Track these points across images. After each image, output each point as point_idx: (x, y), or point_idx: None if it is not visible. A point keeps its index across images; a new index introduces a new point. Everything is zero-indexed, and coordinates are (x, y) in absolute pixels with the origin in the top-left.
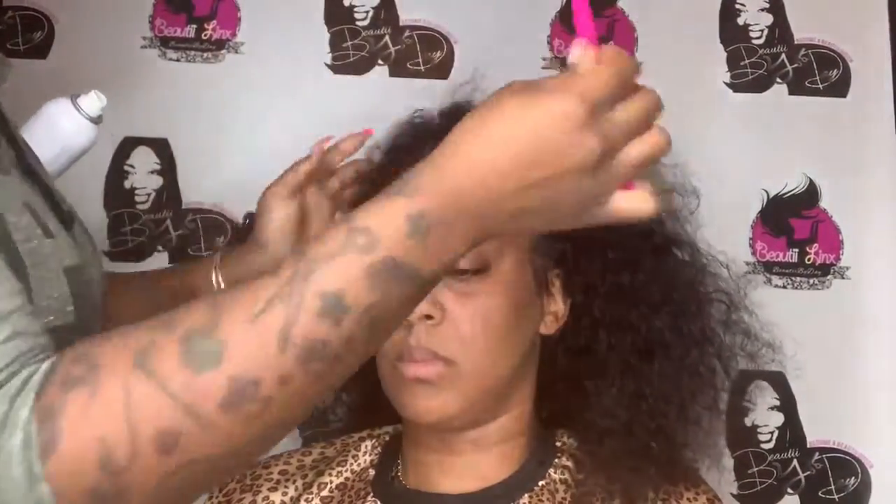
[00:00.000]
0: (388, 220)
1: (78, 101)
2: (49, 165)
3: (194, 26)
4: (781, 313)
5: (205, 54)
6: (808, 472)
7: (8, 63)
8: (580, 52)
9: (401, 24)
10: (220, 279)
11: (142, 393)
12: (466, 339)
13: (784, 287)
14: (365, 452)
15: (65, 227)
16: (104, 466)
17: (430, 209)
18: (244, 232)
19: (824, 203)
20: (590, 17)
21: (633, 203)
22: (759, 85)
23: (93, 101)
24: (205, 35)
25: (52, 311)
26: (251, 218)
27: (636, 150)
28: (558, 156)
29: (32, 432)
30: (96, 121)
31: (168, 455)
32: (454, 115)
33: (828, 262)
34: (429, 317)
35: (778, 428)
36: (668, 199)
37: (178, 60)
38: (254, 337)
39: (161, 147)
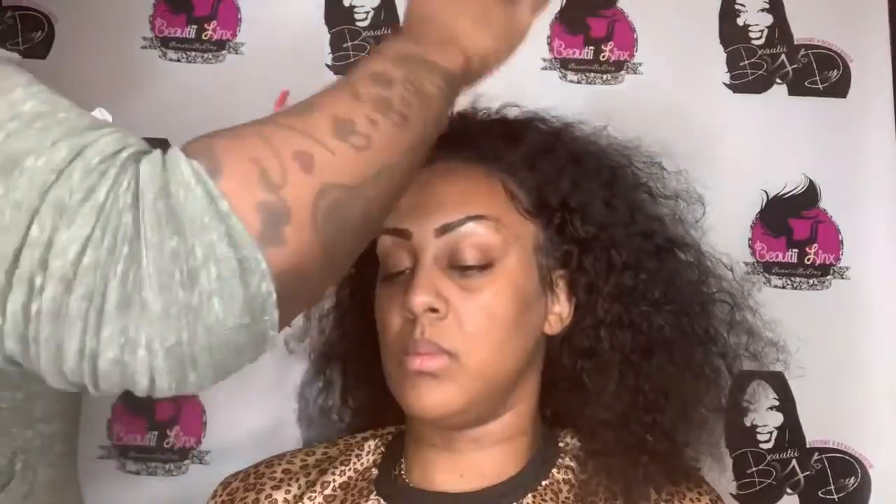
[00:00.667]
0: (381, 46)
1: None
2: None
3: (194, 27)
4: (781, 313)
5: (205, 54)
6: (808, 472)
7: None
8: None
9: (401, 24)
10: None
11: (269, 129)
12: (470, 334)
13: (784, 287)
14: (368, 452)
15: None
16: (263, 181)
17: (408, 44)
18: None
19: (824, 203)
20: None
21: None
22: (759, 85)
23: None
24: (205, 35)
25: None
26: None
27: None
28: None
29: (195, 164)
30: None
31: (310, 173)
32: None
33: (827, 262)
34: (434, 310)
35: (777, 428)
36: None
37: (178, 61)
38: (332, 96)
39: (161, 147)
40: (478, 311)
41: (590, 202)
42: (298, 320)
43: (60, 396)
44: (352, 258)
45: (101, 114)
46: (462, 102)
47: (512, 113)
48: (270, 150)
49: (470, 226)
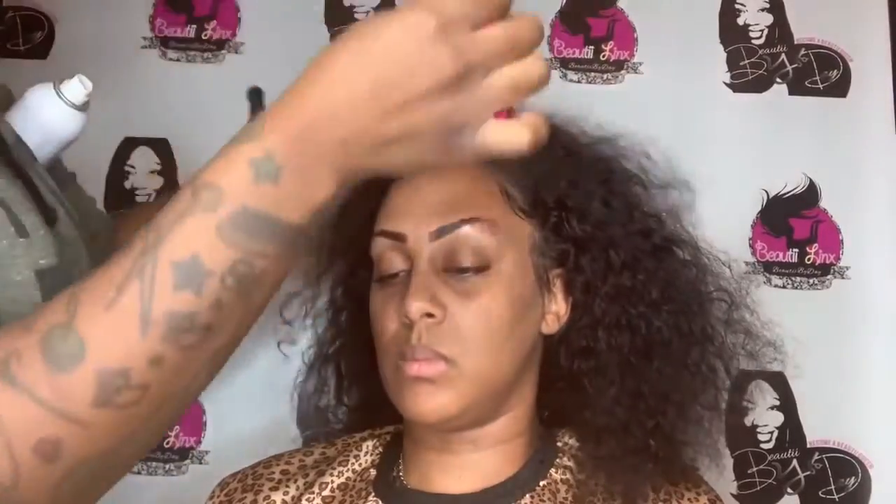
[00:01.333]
0: (231, 169)
1: (61, 87)
2: (35, 154)
3: (194, 26)
4: (781, 313)
5: (205, 54)
6: (808, 472)
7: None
8: None
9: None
10: None
11: (11, 406)
12: (468, 338)
13: (784, 287)
14: (366, 452)
15: (47, 223)
16: None
17: (277, 149)
18: None
19: (824, 203)
20: None
21: (504, 134)
22: (759, 85)
23: (76, 88)
24: (205, 35)
25: (11, 316)
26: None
27: (506, 74)
28: (411, 74)
29: None
30: (81, 108)
31: (53, 463)
32: None
33: (828, 261)
34: (430, 315)
35: (778, 428)
36: (541, 128)
37: (178, 60)
38: (112, 326)
39: (161, 147)
40: (475, 315)
41: (586, 200)
42: (298, 320)
43: None
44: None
45: (80, 82)
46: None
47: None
48: (3, 444)
49: (465, 229)
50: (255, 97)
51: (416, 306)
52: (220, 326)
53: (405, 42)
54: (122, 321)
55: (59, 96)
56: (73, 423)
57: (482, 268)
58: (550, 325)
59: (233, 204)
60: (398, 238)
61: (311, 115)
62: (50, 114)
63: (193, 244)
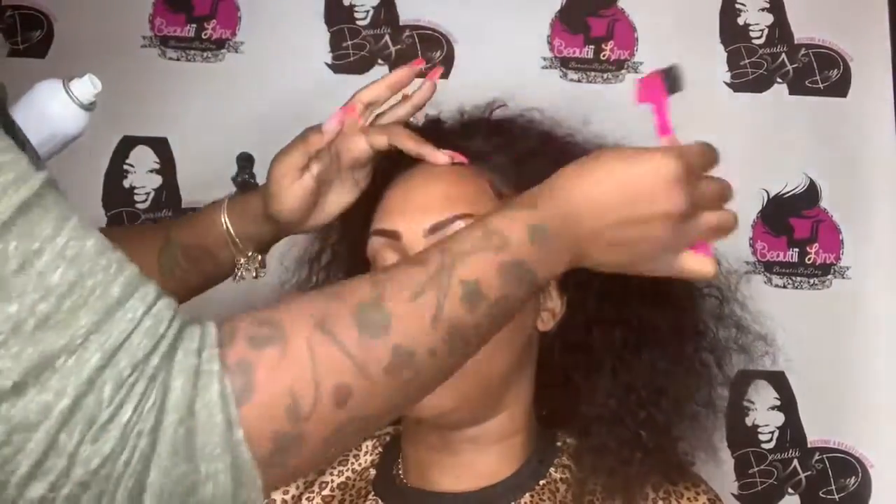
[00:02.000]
0: (515, 227)
1: (70, 85)
2: (39, 150)
3: (194, 26)
4: (781, 313)
5: (205, 54)
6: (809, 472)
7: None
8: (667, 142)
9: (401, 23)
10: (230, 226)
11: (324, 351)
12: None
13: (784, 287)
14: (366, 452)
15: None
16: (290, 414)
17: (548, 223)
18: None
19: (824, 203)
20: (668, 114)
21: (699, 264)
22: (759, 85)
23: (86, 87)
24: (205, 35)
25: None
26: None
27: (713, 218)
28: (654, 201)
29: (227, 384)
30: (88, 108)
31: (341, 408)
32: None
33: (828, 261)
34: None
35: (778, 428)
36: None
37: (177, 60)
38: (413, 314)
39: (161, 146)
40: None
41: None
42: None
43: None
44: None
45: (91, 82)
46: (452, 103)
47: (499, 112)
48: (313, 378)
49: (458, 225)
50: (245, 162)
51: None
52: (472, 343)
53: (656, 177)
54: (421, 313)
55: (68, 93)
56: (366, 380)
57: None
58: (546, 322)
59: (513, 254)
60: (393, 236)
61: (576, 205)
62: (57, 111)
63: (479, 272)
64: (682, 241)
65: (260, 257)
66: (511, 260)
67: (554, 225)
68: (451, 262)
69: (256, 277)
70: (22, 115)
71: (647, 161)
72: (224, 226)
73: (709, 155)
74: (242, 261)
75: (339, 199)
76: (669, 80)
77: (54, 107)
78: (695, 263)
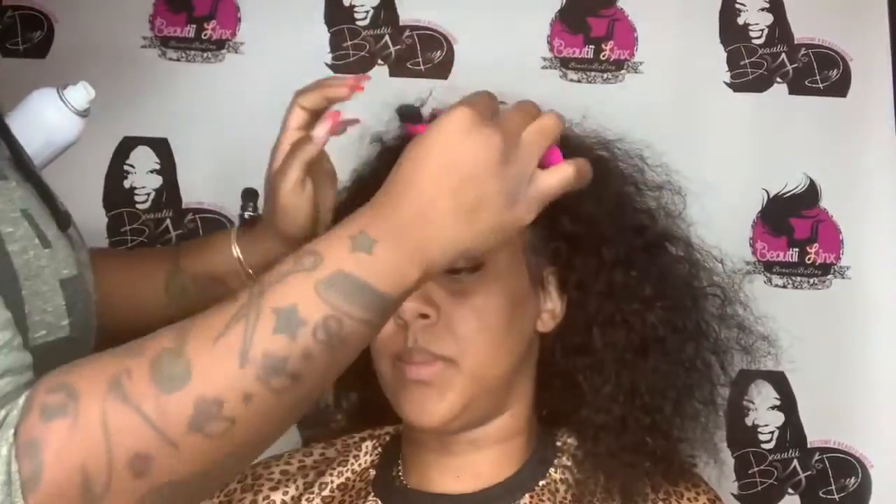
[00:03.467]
0: (332, 242)
1: (64, 92)
2: (33, 158)
3: (194, 26)
4: (782, 313)
5: (205, 54)
6: (809, 472)
7: None
8: None
9: (401, 24)
10: (239, 252)
11: (118, 418)
12: (463, 338)
13: (784, 287)
14: (366, 453)
15: (60, 227)
16: (84, 495)
17: (371, 229)
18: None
19: (824, 203)
20: None
21: (557, 175)
22: (759, 85)
23: (80, 94)
24: (205, 35)
25: (45, 325)
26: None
27: (533, 129)
28: (467, 154)
29: (13, 470)
30: (83, 114)
31: (141, 479)
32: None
33: (828, 261)
34: (424, 316)
35: (778, 428)
36: (582, 163)
37: (178, 60)
38: (216, 357)
39: (161, 147)
40: (469, 314)
41: (578, 199)
42: None
43: None
44: None
45: (84, 88)
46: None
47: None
48: (105, 452)
49: None
50: (248, 196)
51: (409, 307)
52: (306, 377)
53: (454, 133)
54: (225, 354)
55: (63, 101)
56: (167, 444)
57: (475, 267)
58: (546, 323)
59: (330, 267)
60: None
61: (396, 200)
62: (52, 118)
63: (293, 296)
64: (524, 168)
65: None
66: (329, 275)
67: (379, 224)
68: (261, 291)
69: None
70: (17, 123)
71: (435, 129)
72: (235, 254)
73: (488, 97)
74: None
75: (326, 199)
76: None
77: (49, 114)
78: (553, 177)
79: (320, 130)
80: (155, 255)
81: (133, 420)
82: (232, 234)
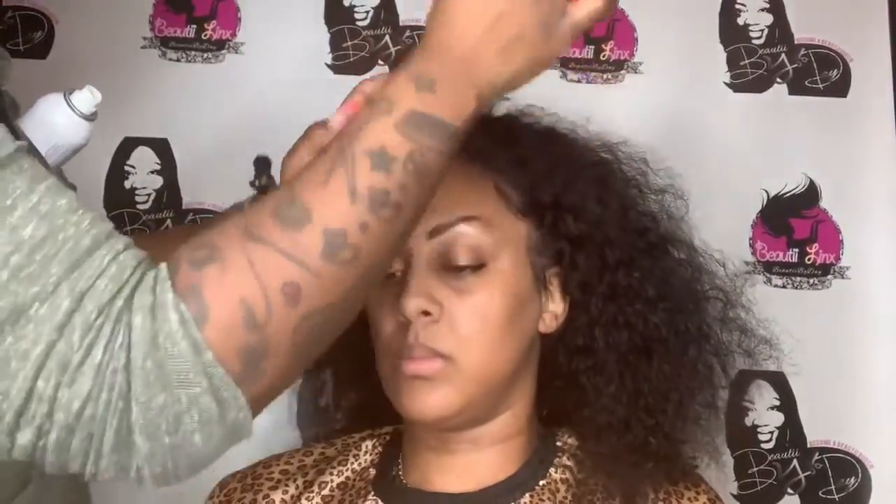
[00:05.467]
0: (398, 87)
1: (71, 97)
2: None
3: (194, 26)
4: (781, 313)
5: (205, 54)
6: (809, 472)
7: (7, 57)
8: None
9: (401, 24)
10: None
11: (260, 256)
12: (464, 336)
13: (784, 287)
14: (366, 452)
15: None
16: (248, 324)
17: (428, 68)
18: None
19: (824, 203)
20: None
21: (586, 7)
22: (759, 85)
23: (86, 98)
24: (205, 35)
25: None
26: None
27: None
28: None
29: (184, 310)
30: (90, 118)
31: (296, 306)
32: None
33: (828, 261)
34: (426, 313)
35: (778, 428)
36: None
37: (178, 60)
38: (329, 196)
39: (161, 147)
40: (471, 313)
41: (582, 200)
42: None
43: None
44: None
45: (90, 92)
46: None
47: (501, 109)
48: (258, 285)
49: (461, 227)
50: (262, 165)
51: (412, 304)
52: (405, 205)
53: None
54: (335, 193)
55: (70, 105)
56: (308, 272)
57: (478, 266)
58: (548, 324)
59: (403, 108)
60: None
61: (445, 38)
62: (60, 122)
63: (379, 139)
64: (556, 2)
65: None
66: (405, 114)
67: (434, 66)
68: (349, 141)
69: None
70: (27, 129)
71: None
72: None
73: None
74: None
75: None
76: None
77: (58, 119)
78: (584, 9)
79: (338, 118)
80: (179, 234)
81: (274, 256)
82: (245, 208)
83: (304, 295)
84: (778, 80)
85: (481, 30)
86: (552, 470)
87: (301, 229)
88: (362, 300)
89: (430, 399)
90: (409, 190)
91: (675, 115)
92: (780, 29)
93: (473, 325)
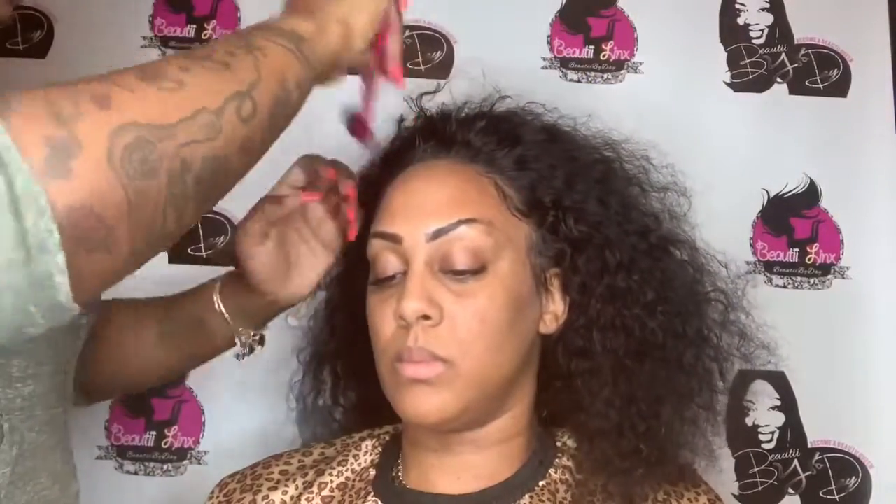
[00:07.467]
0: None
1: None
2: None
3: (194, 26)
4: (782, 313)
5: None
6: (809, 473)
7: None
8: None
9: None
10: (221, 304)
11: (75, 81)
12: (465, 340)
13: (784, 287)
14: (365, 452)
15: None
16: (54, 116)
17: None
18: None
19: (824, 203)
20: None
21: None
22: (759, 85)
23: None
24: (205, 35)
25: None
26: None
27: None
28: None
29: None
30: None
31: (106, 109)
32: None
33: (828, 261)
34: (426, 317)
35: (779, 428)
36: None
37: None
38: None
39: None
40: (471, 316)
41: (583, 200)
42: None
43: (34, 356)
44: (184, 216)
45: None
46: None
47: (502, 105)
48: (68, 92)
49: (462, 229)
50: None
51: (412, 308)
52: (235, 68)
53: None
54: (162, 59)
55: None
56: (120, 87)
57: (479, 269)
58: (549, 325)
59: (246, 29)
60: (394, 240)
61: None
62: None
63: (217, 40)
64: None
65: (254, 334)
66: (250, 28)
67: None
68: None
69: (250, 353)
70: None
71: None
72: (218, 308)
73: None
74: (242, 338)
75: (314, 264)
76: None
77: None
78: None
79: (296, 200)
80: (149, 308)
81: (86, 80)
82: (216, 290)
83: (115, 103)
84: (778, 79)
85: None
86: (552, 471)
87: (122, 70)
88: (206, 145)
89: (429, 402)
90: (236, 55)
91: (675, 115)
92: (780, 29)
93: (474, 328)
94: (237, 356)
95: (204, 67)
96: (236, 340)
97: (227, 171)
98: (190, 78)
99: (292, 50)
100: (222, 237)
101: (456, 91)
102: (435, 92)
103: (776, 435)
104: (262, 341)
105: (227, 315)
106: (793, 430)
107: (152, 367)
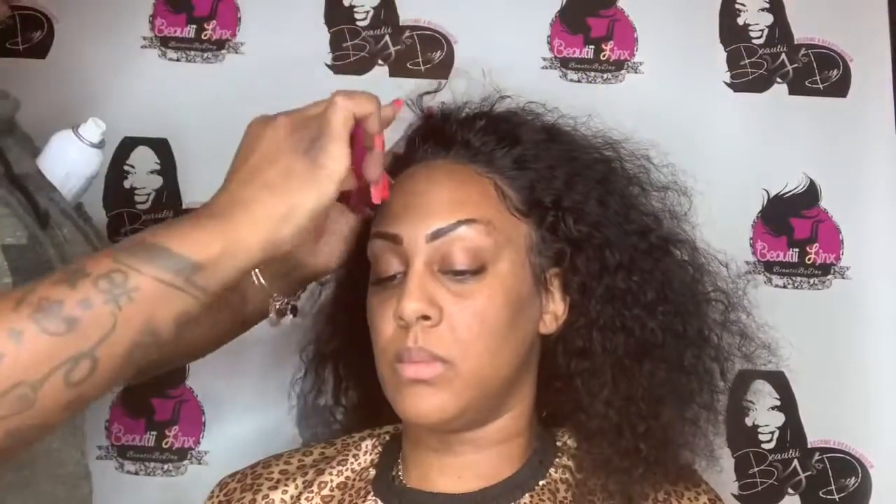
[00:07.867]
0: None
1: (79, 131)
2: (62, 189)
3: (194, 26)
4: (782, 313)
5: (205, 54)
6: (809, 473)
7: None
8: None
9: (401, 24)
10: (260, 275)
11: None
12: (464, 340)
13: (784, 287)
14: (365, 452)
15: (41, 227)
16: None
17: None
18: None
19: (824, 203)
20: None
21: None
22: (759, 85)
23: (91, 129)
24: (205, 35)
25: None
26: None
27: (339, 99)
28: (247, 132)
29: None
30: (98, 146)
31: None
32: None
33: (828, 261)
34: (426, 317)
35: (778, 428)
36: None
37: (177, 60)
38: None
39: (161, 147)
40: (471, 316)
41: (583, 200)
42: (299, 320)
43: None
44: None
45: (95, 123)
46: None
47: (502, 105)
48: None
49: (462, 230)
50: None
51: (411, 308)
52: (84, 326)
53: (250, 134)
54: (8, 301)
55: (79, 138)
56: None
57: (478, 269)
58: (548, 325)
59: (139, 240)
60: (394, 240)
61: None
62: (74, 155)
63: (94, 259)
64: (319, 126)
65: (288, 301)
66: (141, 241)
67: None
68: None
69: (287, 315)
70: (46, 165)
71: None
72: (257, 281)
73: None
74: (277, 304)
75: (342, 233)
76: None
77: (71, 153)
78: (334, 115)
79: (365, 212)
80: None
81: None
82: None
83: None
84: (778, 79)
85: (234, 175)
86: (552, 470)
87: None
88: (19, 419)
89: (429, 403)
90: (93, 305)
91: (675, 115)
92: (780, 29)
93: (473, 329)
94: (271, 322)
95: (39, 330)
96: (270, 307)
97: (41, 429)
98: (14, 348)
99: (178, 286)
100: None
101: (456, 91)
102: (435, 92)
103: (776, 435)
104: (294, 311)
105: (261, 280)
106: (793, 430)
107: (181, 346)
